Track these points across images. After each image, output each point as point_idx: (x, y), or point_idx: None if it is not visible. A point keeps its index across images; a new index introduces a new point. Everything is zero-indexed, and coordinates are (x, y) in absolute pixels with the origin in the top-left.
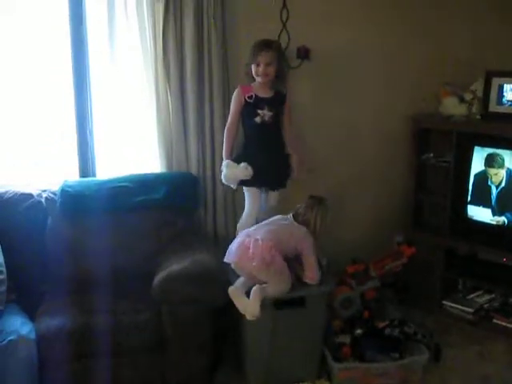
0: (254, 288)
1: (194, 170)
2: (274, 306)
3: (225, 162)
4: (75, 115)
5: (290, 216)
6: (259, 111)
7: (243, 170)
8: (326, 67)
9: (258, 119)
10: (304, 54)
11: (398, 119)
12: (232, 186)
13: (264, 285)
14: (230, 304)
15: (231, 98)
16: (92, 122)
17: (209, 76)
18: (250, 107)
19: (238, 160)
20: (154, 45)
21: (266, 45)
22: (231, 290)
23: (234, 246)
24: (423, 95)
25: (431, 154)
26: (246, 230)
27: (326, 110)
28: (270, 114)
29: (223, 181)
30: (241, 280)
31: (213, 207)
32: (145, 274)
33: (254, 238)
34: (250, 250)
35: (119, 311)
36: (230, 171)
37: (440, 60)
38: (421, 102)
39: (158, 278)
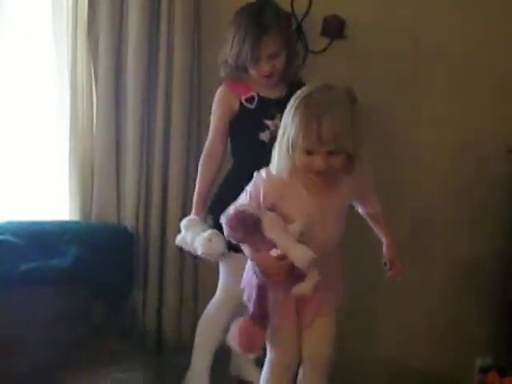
0: None
1: (128, 222)
2: None
3: (185, 222)
4: None
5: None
6: (268, 122)
7: (206, 242)
8: (375, 53)
9: (264, 135)
10: (336, 28)
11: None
12: (210, 258)
13: None
14: None
15: (201, 96)
16: None
17: (166, 58)
18: (249, 116)
19: (214, 210)
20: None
21: (264, 24)
22: None
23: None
24: None
25: None
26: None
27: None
28: None
29: (198, 252)
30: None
31: (158, 288)
32: None
33: None
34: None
35: None
36: (192, 237)
37: None
38: None
39: None
